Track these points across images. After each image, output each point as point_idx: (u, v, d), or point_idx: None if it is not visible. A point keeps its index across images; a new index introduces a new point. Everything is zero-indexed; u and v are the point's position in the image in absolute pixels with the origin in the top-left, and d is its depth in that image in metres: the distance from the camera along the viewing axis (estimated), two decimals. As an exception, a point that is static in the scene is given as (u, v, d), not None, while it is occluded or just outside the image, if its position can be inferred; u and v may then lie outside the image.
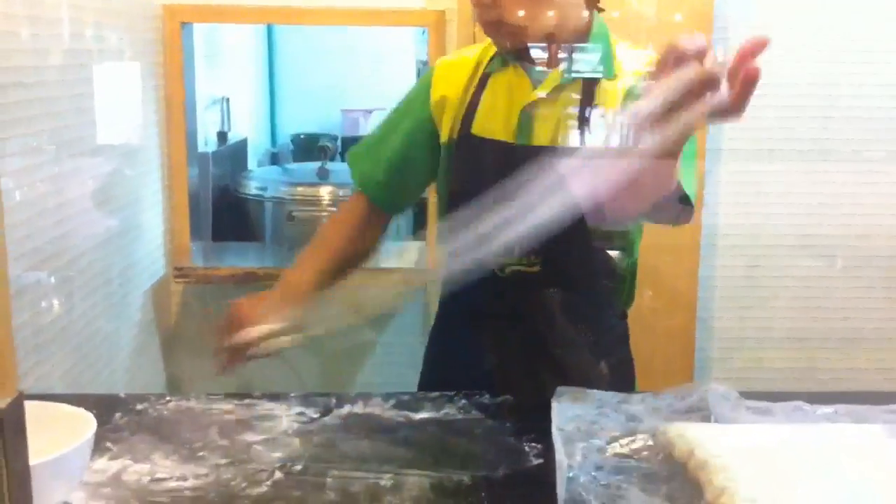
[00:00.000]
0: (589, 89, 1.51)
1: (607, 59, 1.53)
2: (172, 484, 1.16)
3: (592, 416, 1.29)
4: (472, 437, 1.30)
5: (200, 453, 1.24)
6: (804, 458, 1.11)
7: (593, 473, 1.11)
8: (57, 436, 1.07)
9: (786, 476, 1.06)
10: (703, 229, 2.86)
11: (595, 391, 1.41)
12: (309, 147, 4.06)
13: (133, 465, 1.20)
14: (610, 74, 1.52)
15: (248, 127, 4.00)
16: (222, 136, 3.48)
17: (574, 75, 1.51)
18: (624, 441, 1.21)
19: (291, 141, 4.28)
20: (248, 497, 1.13)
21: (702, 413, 1.30)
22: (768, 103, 2.82)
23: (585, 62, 1.52)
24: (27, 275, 1.88)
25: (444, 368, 1.67)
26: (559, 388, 1.36)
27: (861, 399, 1.28)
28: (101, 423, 1.16)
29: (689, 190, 1.39)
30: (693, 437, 1.15)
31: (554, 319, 1.56)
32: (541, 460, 1.23)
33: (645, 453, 1.18)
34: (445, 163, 1.60)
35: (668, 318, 2.84)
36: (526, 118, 1.52)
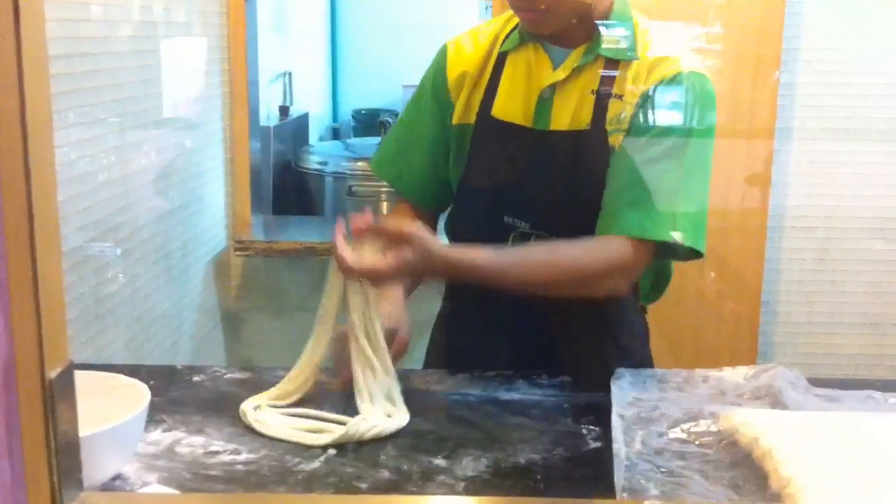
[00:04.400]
0: (611, 70, 1.43)
1: (630, 38, 1.45)
2: (226, 458, 1.15)
3: (654, 399, 1.25)
4: (528, 418, 1.28)
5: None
6: (876, 448, 1.06)
7: (653, 460, 1.08)
8: (112, 406, 1.07)
9: (856, 467, 1.01)
10: (770, 210, 2.78)
11: (657, 370, 1.38)
12: (370, 122, 4.04)
13: (187, 438, 1.20)
14: (634, 55, 1.44)
15: (310, 101, 4.00)
16: (284, 110, 3.49)
17: (595, 56, 1.43)
18: (686, 426, 1.18)
19: (352, 116, 4.28)
20: (302, 472, 1.12)
21: (768, 399, 1.26)
22: (842, 81, 2.73)
23: (607, 42, 1.44)
24: (89, 245, 1.90)
25: (451, 354, 1.60)
26: (618, 371, 1.33)
27: (937, 389, 1.23)
28: (156, 395, 1.16)
29: (698, 243, 1.40)
30: (759, 423, 1.12)
31: (571, 313, 1.49)
32: (599, 444, 1.20)
33: (707, 439, 1.15)
34: (457, 147, 1.53)
35: (733, 301, 2.78)
36: (544, 101, 1.45)
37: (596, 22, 1.44)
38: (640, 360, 1.56)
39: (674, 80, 1.42)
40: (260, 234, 2.90)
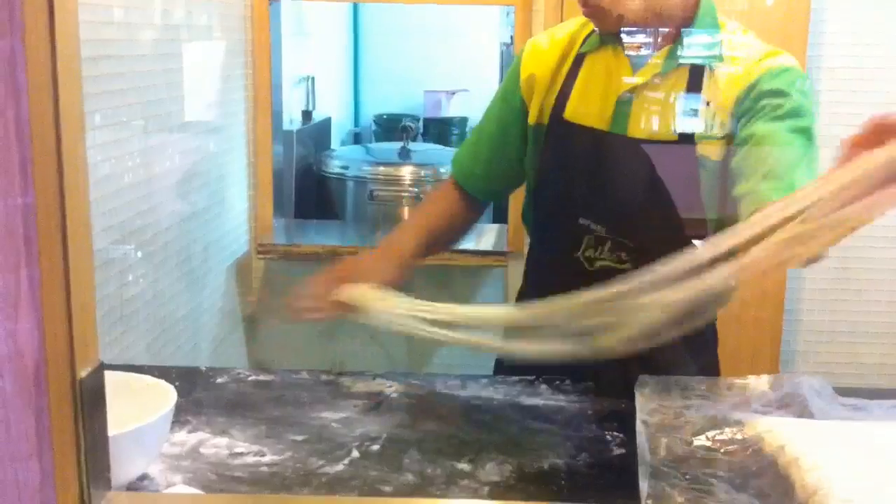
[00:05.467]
0: (696, 77, 1.41)
1: (716, 43, 1.43)
2: (250, 459, 1.15)
3: (677, 407, 1.24)
4: (552, 424, 1.28)
5: (278, 429, 1.24)
6: (904, 458, 1.05)
7: (678, 467, 1.08)
8: (138, 407, 1.07)
9: (883, 477, 1.00)
10: (794, 218, 2.76)
11: (680, 377, 1.37)
12: (391, 127, 4.06)
13: (211, 439, 1.20)
14: (720, 60, 1.42)
15: (332, 106, 4.01)
16: (307, 114, 3.50)
17: (680, 61, 1.42)
18: (711, 433, 1.17)
19: (374, 121, 4.29)
20: (325, 475, 1.12)
21: (793, 408, 1.25)
22: (866, 88, 2.71)
23: (692, 47, 1.43)
24: (113, 247, 1.91)
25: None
26: (641, 377, 1.32)
27: (965, 399, 1.22)
28: (180, 396, 1.16)
29: None
30: (784, 431, 1.11)
31: None
32: (623, 450, 1.19)
33: (733, 447, 1.14)
34: (533, 146, 1.54)
35: (755, 310, 2.77)
36: (622, 106, 1.43)
37: (678, 26, 1.43)
38: (699, 370, 1.52)
39: (783, 71, 1.38)
40: (282, 238, 2.91)
